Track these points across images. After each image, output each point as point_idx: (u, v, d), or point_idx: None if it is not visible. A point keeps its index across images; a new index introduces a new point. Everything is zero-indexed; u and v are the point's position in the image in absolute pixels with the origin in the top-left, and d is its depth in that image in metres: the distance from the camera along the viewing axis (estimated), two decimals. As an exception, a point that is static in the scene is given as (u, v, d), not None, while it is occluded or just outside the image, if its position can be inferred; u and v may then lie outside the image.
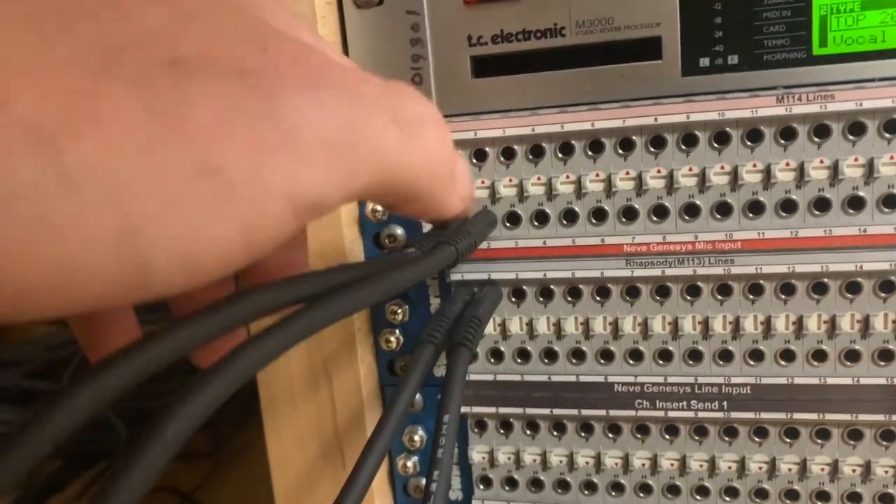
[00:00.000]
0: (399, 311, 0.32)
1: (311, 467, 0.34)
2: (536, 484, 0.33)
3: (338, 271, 0.19)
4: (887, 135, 0.27)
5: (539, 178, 0.30)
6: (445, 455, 0.23)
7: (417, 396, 0.33)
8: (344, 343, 0.32)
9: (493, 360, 0.32)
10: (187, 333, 0.15)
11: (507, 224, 0.30)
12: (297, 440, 0.34)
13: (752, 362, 0.30)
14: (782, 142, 0.28)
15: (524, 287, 0.31)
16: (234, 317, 0.15)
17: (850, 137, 0.27)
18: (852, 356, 0.29)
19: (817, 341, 0.29)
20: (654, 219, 0.29)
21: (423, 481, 0.35)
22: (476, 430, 0.33)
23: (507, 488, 0.33)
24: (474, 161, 0.30)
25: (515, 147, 0.30)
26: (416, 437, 0.33)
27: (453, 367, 0.25)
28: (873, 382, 0.29)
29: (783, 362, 0.29)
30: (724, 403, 0.30)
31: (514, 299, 0.31)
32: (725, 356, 0.30)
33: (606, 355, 0.31)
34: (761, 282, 0.29)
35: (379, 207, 0.32)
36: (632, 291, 0.30)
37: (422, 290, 0.32)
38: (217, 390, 0.15)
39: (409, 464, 0.34)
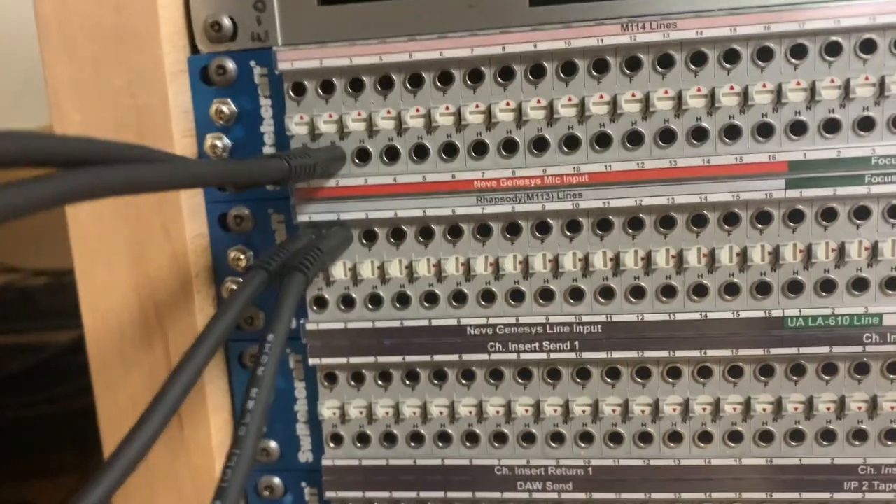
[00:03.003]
0: (242, 256, 0.30)
1: (145, 429, 0.31)
2: (389, 438, 0.31)
3: (123, 147, 0.17)
4: (727, 65, 0.27)
5: (389, 112, 0.29)
6: (266, 374, 0.21)
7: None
8: (180, 290, 0.30)
9: (343, 308, 0.30)
10: None
11: (357, 161, 0.29)
12: (131, 400, 0.31)
13: (602, 300, 0.29)
14: (628, 72, 0.27)
15: (375, 228, 0.30)
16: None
17: (693, 67, 0.27)
18: (700, 290, 0.29)
19: (665, 276, 0.29)
20: (504, 153, 0.28)
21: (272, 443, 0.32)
22: (326, 384, 0.31)
23: (359, 445, 0.31)
24: (320, 92, 0.29)
25: (363, 78, 0.29)
26: (262, 393, 0.31)
27: (285, 288, 0.24)
28: (720, 317, 0.29)
29: (633, 299, 0.29)
30: (576, 343, 0.29)
31: (364, 241, 0.30)
32: (576, 294, 0.29)
33: (459, 297, 0.30)
34: (610, 217, 0.28)
35: (219, 143, 0.30)
36: (483, 230, 0.29)
37: (267, 234, 0.30)
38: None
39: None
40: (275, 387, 0.22)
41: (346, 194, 0.29)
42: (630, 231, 0.28)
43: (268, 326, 0.22)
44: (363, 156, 0.29)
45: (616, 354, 0.29)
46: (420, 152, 0.29)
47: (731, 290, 0.29)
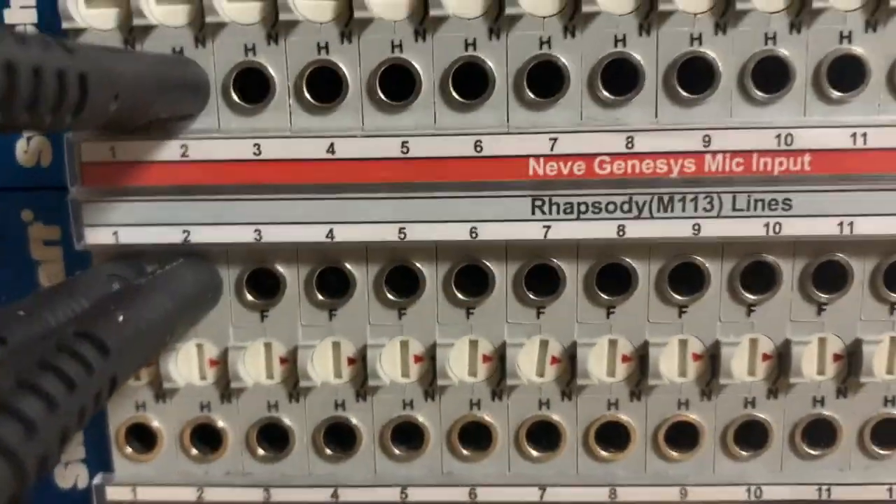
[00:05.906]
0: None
1: None
2: None
3: None
4: None
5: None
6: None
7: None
8: None
9: (195, 454, 0.13)
10: None
11: (236, 96, 0.12)
12: None
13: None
14: None
15: (275, 265, 0.12)
16: None
17: None
18: None
19: None
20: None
21: None
22: None
23: None
24: None
25: None
26: None
27: None
28: None
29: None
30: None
31: (247, 299, 0.12)
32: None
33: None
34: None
35: None
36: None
37: (16, 264, 0.13)
38: None
39: None
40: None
41: (207, 180, 0.12)
42: None
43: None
44: (249, 87, 0.12)
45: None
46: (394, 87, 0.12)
47: None
